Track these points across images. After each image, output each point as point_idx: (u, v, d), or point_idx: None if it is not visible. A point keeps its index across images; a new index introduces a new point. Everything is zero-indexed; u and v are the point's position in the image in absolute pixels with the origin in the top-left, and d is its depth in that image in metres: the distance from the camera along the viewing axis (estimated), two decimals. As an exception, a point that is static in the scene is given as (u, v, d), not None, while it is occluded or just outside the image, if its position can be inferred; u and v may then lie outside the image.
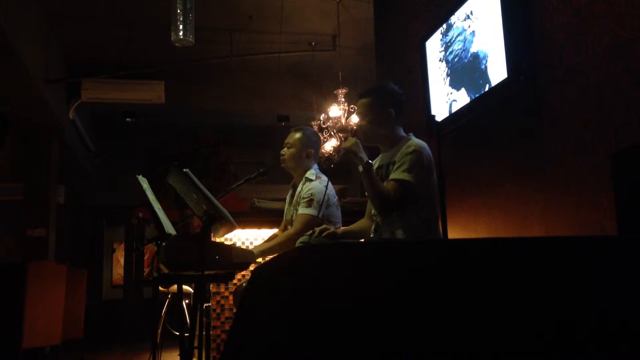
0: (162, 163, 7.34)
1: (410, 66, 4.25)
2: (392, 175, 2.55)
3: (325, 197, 3.04)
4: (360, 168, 2.53)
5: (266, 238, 3.41)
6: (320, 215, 3.03)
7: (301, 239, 2.67)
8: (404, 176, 2.50)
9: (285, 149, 3.27)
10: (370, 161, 2.55)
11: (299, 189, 3.19)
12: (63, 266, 5.15)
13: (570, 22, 2.58)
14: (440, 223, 2.35)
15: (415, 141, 2.63)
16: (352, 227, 2.92)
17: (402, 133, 2.74)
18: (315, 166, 3.26)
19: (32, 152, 7.21)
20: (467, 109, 3.28)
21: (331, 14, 6.18)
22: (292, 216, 3.21)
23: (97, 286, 9.80)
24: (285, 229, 3.29)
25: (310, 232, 2.65)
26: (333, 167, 2.68)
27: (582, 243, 1.50)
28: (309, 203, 3.03)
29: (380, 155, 2.82)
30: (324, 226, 2.67)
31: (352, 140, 2.61)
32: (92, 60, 7.25)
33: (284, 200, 3.40)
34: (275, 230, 3.46)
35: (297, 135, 3.25)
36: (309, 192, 3.08)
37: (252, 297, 1.40)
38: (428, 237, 2.56)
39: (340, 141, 6.42)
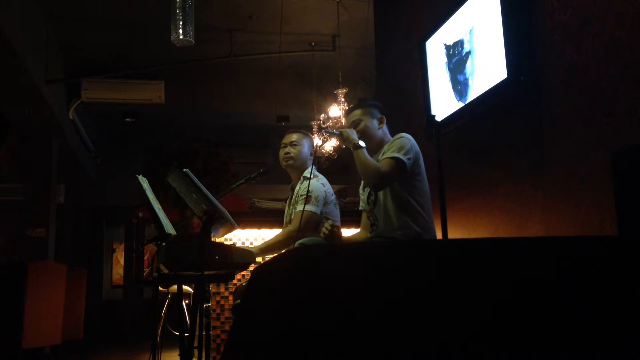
0: (162, 163, 7.33)
1: (410, 66, 4.25)
2: (385, 156, 2.69)
3: (323, 194, 3.09)
4: (352, 148, 2.69)
5: (266, 238, 3.41)
6: (319, 212, 3.06)
7: (300, 242, 2.69)
8: (396, 154, 2.65)
9: (290, 147, 3.27)
10: (362, 142, 2.70)
11: (296, 188, 3.22)
12: (63, 266, 5.14)
13: (570, 22, 2.57)
14: (440, 222, 2.36)
15: (399, 134, 2.79)
16: (351, 237, 3.02)
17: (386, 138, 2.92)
18: (313, 167, 3.29)
19: (32, 152, 7.21)
20: (467, 109, 3.27)
21: (331, 14, 6.18)
22: (290, 216, 3.22)
23: (97, 286, 9.79)
24: (285, 230, 3.31)
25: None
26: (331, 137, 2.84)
27: (582, 243, 1.50)
28: (307, 200, 3.06)
29: None
30: (330, 221, 2.79)
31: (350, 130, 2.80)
32: (92, 60, 7.24)
33: (284, 200, 3.41)
34: (275, 231, 3.46)
35: (303, 136, 3.34)
36: (307, 189, 3.11)
37: (252, 297, 1.40)
38: (422, 222, 2.70)
39: (340, 141, 6.43)
